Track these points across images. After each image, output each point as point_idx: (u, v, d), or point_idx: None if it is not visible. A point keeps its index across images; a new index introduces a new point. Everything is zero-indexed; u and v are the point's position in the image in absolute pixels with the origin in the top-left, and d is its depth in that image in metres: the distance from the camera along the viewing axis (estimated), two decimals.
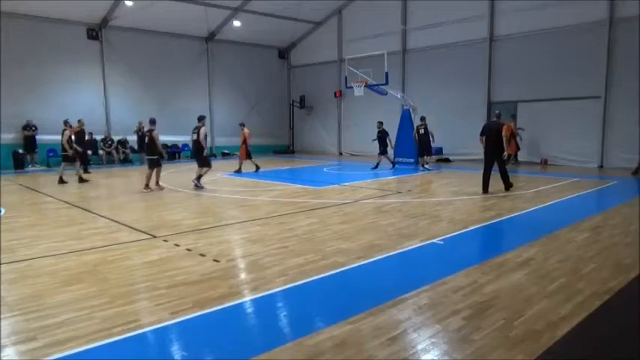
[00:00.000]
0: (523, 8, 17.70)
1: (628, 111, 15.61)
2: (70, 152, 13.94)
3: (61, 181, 13.86)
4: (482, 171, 11.23)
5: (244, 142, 16.28)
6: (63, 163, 14.29)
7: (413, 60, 21.62)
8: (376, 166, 17.10)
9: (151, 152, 12.36)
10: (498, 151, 10.97)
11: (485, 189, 11.13)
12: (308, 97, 26.49)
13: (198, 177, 12.62)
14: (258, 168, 16.39)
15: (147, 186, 12.20)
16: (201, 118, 13.09)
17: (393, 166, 17.31)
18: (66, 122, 14.57)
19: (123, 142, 21.12)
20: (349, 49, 22.60)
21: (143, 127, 20.75)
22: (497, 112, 11.81)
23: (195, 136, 12.81)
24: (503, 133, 11.20)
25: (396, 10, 21.58)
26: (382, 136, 16.92)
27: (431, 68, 20.75)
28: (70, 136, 14.15)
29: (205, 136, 12.75)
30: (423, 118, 16.84)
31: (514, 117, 17.75)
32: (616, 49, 15.88)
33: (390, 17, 21.72)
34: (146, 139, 12.59)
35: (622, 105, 15.85)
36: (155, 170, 12.35)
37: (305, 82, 26.80)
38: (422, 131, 16.66)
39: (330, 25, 24.89)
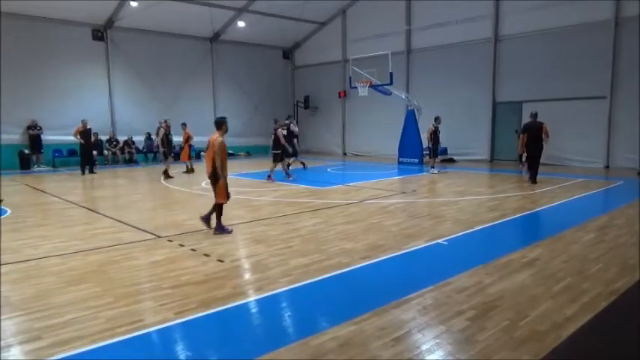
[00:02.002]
0: (528, 8, 17.62)
1: (634, 111, 15.52)
2: (162, 149, 15.48)
3: (167, 175, 14.87)
4: (530, 164, 12.73)
5: (186, 142, 16.63)
6: (169, 158, 15.42)
7: (417, 60, 21.57)
8: (304, 167, 16.86)
9: (275, 147, 14.19)
10: (540, 147, 12.49)
11: (534, 180, 12.60)
12: (312, 98, 26.51)
13: (288, 165, 14.69)
14: (192, 170, 16.75)
15: (287, 174, 14.48)
16: (288, 117, 15.30)
17: (288, 167, 16.31)
18: (165, 121, 15.57)
19: (128, 143, 21.17)
20: (353, 49, 22.59)
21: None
22: (534, 112, 12.82)
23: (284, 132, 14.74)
24: (544, 131, 12.45)
25: (401, 10, 21.55)
26: (289, 136, 16.32)
27: (435, 68, 20.70)
28: (164, 134, 15.36)
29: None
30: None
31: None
32: (621, 48, 15.79)
33: (395, 17, 21.69)
34: (272, 136, 14.46)
35: (628, 105, 15.76)
36: (278, 164, 14.17)
37: (309, 82, 26.80)
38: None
39: (335, 25, 24.88)
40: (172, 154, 15.80)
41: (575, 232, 7.30)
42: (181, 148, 17.35)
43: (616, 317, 4.24)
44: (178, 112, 22.35)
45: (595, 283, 4.97)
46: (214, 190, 7.43)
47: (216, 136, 7.34)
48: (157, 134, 16.70)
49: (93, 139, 19.98)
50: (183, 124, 16.95)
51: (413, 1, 21.28)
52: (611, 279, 5.09)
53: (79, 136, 16.51)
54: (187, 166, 16.83)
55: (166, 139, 15.54)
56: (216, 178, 7.33)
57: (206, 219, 7.63)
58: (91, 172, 16.71)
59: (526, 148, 12.61)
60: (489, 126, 19.41)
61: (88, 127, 16.64)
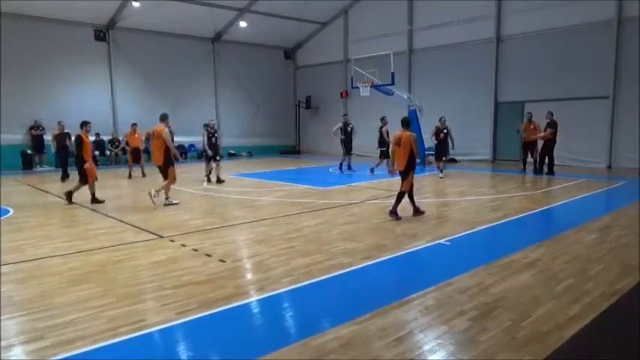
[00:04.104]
0: (530, 8, 17.60)
1: (636, 111, 15.49)
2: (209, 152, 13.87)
3: (219, 180, 13.70)
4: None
5: (137, 144, 15.95)
6: (213, 162, 14.02)
7: (419, 60, 21.56)
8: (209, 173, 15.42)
9: (381, 145, 15.34)
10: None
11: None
12: (314, 98, 26.50)
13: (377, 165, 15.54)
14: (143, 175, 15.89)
15: (371, 171, 15.38)
16: (383, 119, 15.74)
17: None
18: (210, 121, 14.43)
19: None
20: (355, 50, 22.56)
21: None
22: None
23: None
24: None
25: (402, 10, 21.54)
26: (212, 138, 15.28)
27: (437, 68, 20.68)
28: (210, 135, 13.95)
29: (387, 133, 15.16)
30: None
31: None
32: (624, 48, 15.76)
33: (396, 17, 21.68)
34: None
35: (630, 105, 15.73)
36: (385, 160, 14.67)
37: (311, 82, 26.80)
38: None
39: (336, 25, 24.88)
40: (219, 158, 14.18)
41: (577, 232, 7.28)
42: (134, 150, 16.07)
43: (618, 318, 4.23)
44: (181, 112, 22.41)
45: (597, 283, 4.96)
46: (407, 180, 8.35)
47: (408, 133, 8.32)
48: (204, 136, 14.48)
49: (94, 139, 20.08)
50: (134, 124, 16.13)
51: (415, 1, 21.26)
52: (614, 279, 5.08)
53: (53, 140, 15.21)
54: (134, 170, 16.00)
55: (210, 141, 13.97)
56: (410, 169, 8.29)
57: (416, 210, 8.56)
58: (66, 177, 14.96)
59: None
60: (491, 126, 19.39)
61: (66, 130, 15.23)
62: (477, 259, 5.92)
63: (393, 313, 4.24)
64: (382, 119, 15.59)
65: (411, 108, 19.22)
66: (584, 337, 3.76)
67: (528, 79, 18.02)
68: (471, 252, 6.50)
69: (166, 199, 10.14)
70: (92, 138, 19.87)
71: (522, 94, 18.31)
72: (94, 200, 10.43)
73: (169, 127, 11.39)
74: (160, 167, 10.19)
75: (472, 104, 19.55)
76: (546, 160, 14.67)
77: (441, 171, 15.27)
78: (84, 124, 10.65)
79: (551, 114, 14.57)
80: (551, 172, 14.47)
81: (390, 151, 9.36)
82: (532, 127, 15.08)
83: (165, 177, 10.14)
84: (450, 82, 20.10)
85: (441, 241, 6.85)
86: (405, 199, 8.51)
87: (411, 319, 4.11)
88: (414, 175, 8.57)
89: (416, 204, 8.64)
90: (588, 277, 5.15)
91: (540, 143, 14.97)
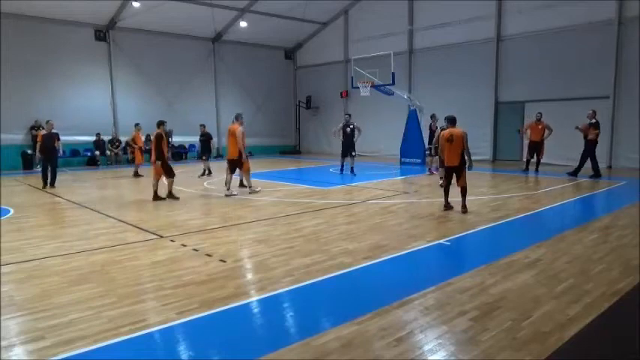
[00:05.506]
0: (530, 8, 17.60)
1: (636, 111, 15.48)
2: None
3: (242, 184, 12.47)
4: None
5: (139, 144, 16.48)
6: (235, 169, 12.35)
7: (419, 60, 21.55)
8: (203, 174, 15.29)
9: (431, 142, 15.23)
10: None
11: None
12: (314, 98, 26.50)
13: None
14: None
15: (430, 170, 15.46)
16: (433, 117, 15.75)
17: (209, 174, 15.45)
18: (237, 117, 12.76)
19: (130, 143, 21.17)
20: (355, 50, 22.57)
21: (171, 131, 20.56)
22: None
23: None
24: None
25: (403, 10, 21.53)
26: (205, 139, 15.96)
27: (437, 68, 20.67)
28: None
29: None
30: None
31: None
32: (624, 48, 15.75)
33: (397, 17, 21.67)
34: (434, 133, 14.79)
35: (631, 105, 15.71)
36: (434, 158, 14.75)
37: (311, 82, 26.80)
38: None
39: (337, 25, 24.88)
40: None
41: (577, 232, 7.29)
42: (140, 149, 16.55)
43: (619, 318, 4.23)
44: (181, 112, 22.42)
45: (598, 283, 4.96)
46: (462, 176, 8.88)
47: (459, 130, 8.72)
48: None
49: (95, 139, 20.09)
50: (138, 124, 16.73)
51: (415, 1, 21.26)
52: (614, 279, 5.08)
53: (39, 141, 13.16)
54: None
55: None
56: (464, 164, 8.80)
57: (448, 205, 9.09)
58: (52, 184, 13.21)
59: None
60: (491, 126, 19.39)
61: (54, 130, 13.31)
62: (478, 259, 5.92)
63: (393, 313, 4.24)
64: (432, 117, 15.71)
65: (412, 108, 19.22)
66: (585, 337, 3.76)
67: (528, 79, 18.01)
68: (471, 252, 6.51)
69: (227, 189, 11.17)
70: (93, 138, 20.12)
71: (522, 94, 18.30)
72: (170, 196, 10.98)
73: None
74: (232, 161, 11.27)
75: (472, 104, 19.52)
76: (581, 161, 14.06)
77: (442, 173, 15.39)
78: (162, 123, 11.05)
79: (595, 113, 13.85)
80: (597, 174, 13.63)
81: (439, 148, 9.53)
82: (540, 127, 15.05)
83: (241, 168, 11.51)
84: (450, 82, 20.08)
85: (442, 241, 6.85)
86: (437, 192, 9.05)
87: (411, 319, 4.11)
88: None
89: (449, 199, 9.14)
90: (589, 278, 5.15)
91: (544, 143, 15.09)
